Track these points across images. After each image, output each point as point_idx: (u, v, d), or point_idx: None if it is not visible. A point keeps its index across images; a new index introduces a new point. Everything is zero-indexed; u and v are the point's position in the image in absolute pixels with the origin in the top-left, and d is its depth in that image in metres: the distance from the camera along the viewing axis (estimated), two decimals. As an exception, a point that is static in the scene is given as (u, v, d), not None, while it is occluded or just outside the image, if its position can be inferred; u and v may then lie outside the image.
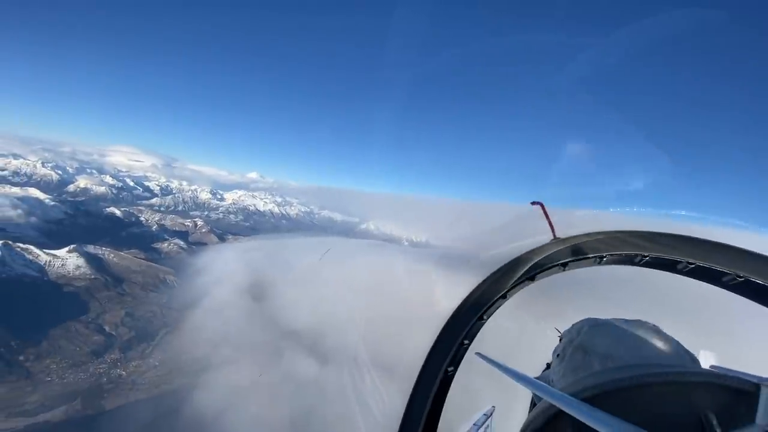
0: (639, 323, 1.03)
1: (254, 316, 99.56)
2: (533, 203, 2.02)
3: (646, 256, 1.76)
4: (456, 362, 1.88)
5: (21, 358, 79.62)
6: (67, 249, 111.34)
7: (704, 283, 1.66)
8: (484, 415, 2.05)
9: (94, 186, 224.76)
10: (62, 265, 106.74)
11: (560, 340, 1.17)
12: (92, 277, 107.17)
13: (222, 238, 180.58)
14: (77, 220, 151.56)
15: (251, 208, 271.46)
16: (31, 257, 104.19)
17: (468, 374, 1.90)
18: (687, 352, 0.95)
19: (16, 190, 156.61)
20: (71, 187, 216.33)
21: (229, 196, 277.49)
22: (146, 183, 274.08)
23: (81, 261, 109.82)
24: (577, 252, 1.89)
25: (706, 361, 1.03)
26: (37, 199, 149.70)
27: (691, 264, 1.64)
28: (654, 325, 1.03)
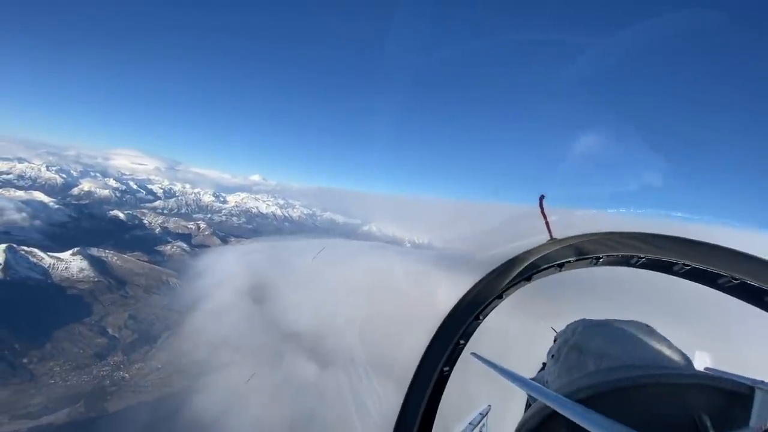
0: (633, 324, 1.03)
1: (256, 319, 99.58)
2: (541, 197, 2.00)
3: (642, 258, 1.76)
4: (452, 362, 1.87)
5: (24, 360, 79.88)
6: (70, 252, 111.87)
7: (700, 285, 1.65)
8: (480, 414, 2.05)
9: (97, 189, 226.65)
10: (66, 267, 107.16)
11: (555, 341, 1.17)
12: (95, 279, 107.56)
13: (225, 241, 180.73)
14: (81, 223, 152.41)
15: (254, 210, 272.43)
16: (35, 260, 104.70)
17: (464, 374, 1.90)
18: (681, 353, 0.95)
19: (20, 193, 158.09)
20: (75, 191, 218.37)
21: (232, 199, 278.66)
22: (149, 186, 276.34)
23: (84, 264, 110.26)
24: (574, 253, 1.88)
25: (701, 362, 1.04)
26: (41, 203, 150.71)
27: (687, 266, 1.64)
28: (648, 326, 1.03)
